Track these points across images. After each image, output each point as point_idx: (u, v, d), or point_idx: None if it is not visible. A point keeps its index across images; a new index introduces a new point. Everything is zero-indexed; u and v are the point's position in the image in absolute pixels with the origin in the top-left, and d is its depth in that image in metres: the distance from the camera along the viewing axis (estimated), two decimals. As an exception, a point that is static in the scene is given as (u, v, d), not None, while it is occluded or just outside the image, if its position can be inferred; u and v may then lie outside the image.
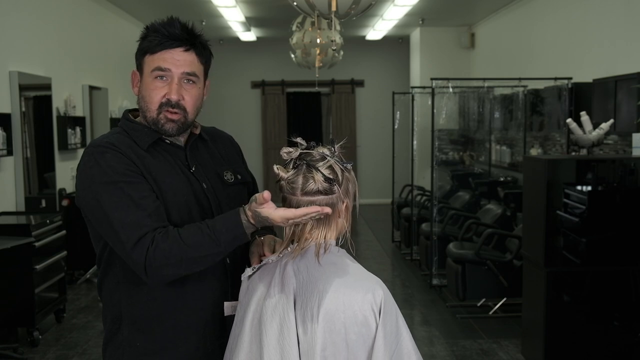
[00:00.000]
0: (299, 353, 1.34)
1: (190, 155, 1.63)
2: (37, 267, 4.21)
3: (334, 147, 1.42)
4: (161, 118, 1.55)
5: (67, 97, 5.89)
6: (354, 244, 1.47)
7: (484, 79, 6.04)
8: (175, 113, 1.55)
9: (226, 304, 1.59)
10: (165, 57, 1.54)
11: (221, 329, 1.58)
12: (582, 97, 5.06)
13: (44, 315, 4.38)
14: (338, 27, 5.74)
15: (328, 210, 1.36)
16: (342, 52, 6.62)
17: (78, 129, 6.08)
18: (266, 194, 1.37)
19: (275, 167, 1.40)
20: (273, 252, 1.54)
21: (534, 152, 6.04)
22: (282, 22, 7.49)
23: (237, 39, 9.98)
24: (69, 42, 6.13)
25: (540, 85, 5.76)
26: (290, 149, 1.40)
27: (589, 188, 3.64)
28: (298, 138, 1.43)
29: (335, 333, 1.32)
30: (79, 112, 6.24)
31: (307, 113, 11.32)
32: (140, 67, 1.59)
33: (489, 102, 6.89)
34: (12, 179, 4.92)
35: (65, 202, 5.59)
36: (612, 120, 3.92)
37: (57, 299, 4.64)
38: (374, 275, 1.41)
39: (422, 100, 7.38)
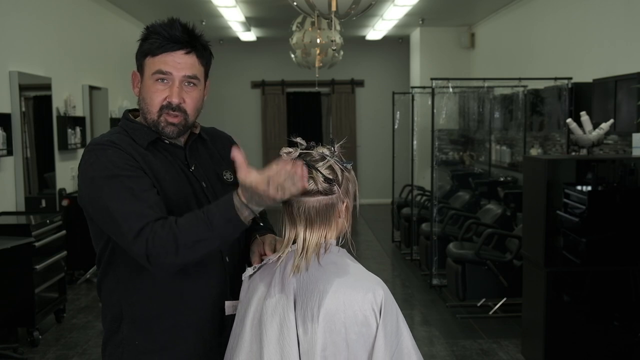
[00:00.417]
0: (298, 353, 1.34)
1: (190, 154, 1.63)
2: (37, 267, 4.21)
3: (334, 147, 1.42)
4: (161, 121, 1.56)
5: (67, 97, 5.89)
6: (354, 244, 1.47)
7: (484, 79, 6.04)
8: (176, 116, 1.55)
9: (227, 303, 1.58)
10: (166, 60, 1.54)
11: (220, 328, 1.58)
12: (582, 97, 5.06)
13: (44, 315, 4.38)
14: (338, 27, 5.74)
15: (303, 171, 1.29)
16: (342, 52, 6.62)
17: (78, 129, 6.08)
18: (235, 149, 1.37)
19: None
20: (274, 251, 1.54)
21: (534, 152, 6.04)
22: (282, 22, 7.49)
23: (237, 39, 9.98)
24: (69, 42, 6.13)
25: (540, 85, 5.76)
26: (290, 149, 1.40)
27: (589, 188, 3.64)
28: (298, 138, 1.43)
29: (336, 333, 1.32)
30: (79, 112, 6.24)
31: (307, 113, 11.32)
32: (140, 68, 1.59)
33: (489, 102, 6.89)
34: (12, 179, 4.92)
35: (65, 202, 5.59)
36: (612, 120, 3.92)
37: (57, 299, 4.64)
38: (375, 275, 1.40)
39: (422, 100, 7.38)
